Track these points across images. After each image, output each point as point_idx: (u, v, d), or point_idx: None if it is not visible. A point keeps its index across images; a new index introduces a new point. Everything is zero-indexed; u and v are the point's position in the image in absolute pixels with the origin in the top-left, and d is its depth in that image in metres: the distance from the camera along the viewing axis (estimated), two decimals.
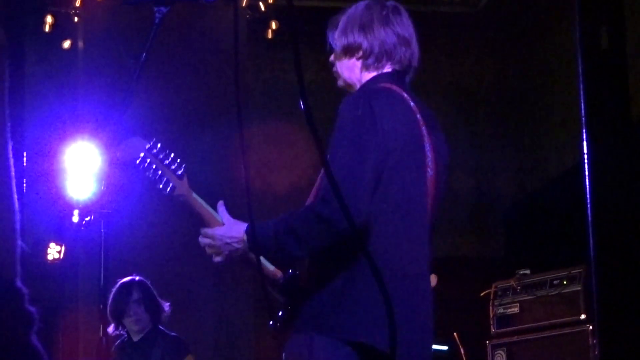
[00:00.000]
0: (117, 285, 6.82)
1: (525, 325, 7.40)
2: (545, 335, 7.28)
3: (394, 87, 3.43)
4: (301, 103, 2.28)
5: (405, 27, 3.55)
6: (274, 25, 9.52)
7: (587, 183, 2.68)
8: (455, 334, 7.79)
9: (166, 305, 6.93)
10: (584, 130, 2.64)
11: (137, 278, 6.91)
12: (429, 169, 3.38)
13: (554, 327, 7.23)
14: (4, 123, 1.87)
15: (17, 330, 2.11)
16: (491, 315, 7.61)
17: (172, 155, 3.52)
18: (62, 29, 9.41)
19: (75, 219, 8.16)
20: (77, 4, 9.30)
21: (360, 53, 3.50)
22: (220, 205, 3.50)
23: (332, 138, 3.30)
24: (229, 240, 3.35)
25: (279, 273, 3.46)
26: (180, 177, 3.49)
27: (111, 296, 6.74)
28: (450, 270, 6.94)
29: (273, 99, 10.99)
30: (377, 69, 3.50)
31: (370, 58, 3.49)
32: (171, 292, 7.39)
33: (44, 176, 8.58)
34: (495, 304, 7.60)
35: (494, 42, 11.70)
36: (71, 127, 8.81)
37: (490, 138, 11.82)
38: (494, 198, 11.71)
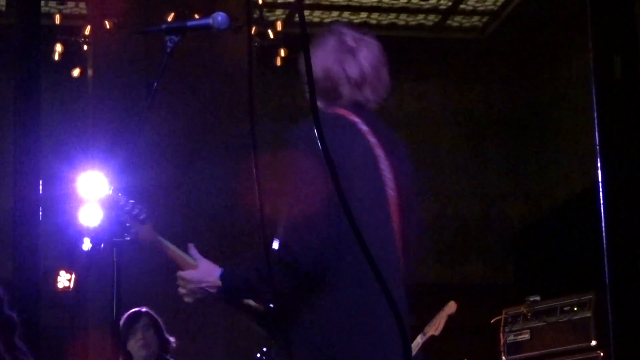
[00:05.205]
0: (125, 315, 6.77)
1: (536, 352, 7.38)
2: None
3: (342, 112, 3.38)
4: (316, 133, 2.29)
5: (375, 57, 3.45)
6: (282, 53, 9.55)
7: (602, 211, 2.68)
8: None
9: (172, 339, 6.88)
10: (598, 159, 2.64)
11: (144, 309, 6.87)
12: (389, 189, 3.35)
13: (564, 353, 7.21)
14: None
15: (3, 333, 2.13)
16: (502, 342, 7.59)
17: (133, 201, 3.55)
18: (71, 57, 9.44)
19: (86, 247, 8.14)
20: (87, 32, 9.34)
21: (341, 80, 3.39)
22: (192, 247, 3.55)
23: (282, 170, 3.34)
24: (204, 285, 3.44)
25: (260, 307, 3.50)
26: (142, 221, 3.52)
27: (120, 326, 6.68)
28: (459, 297, 6.94)
29: (281, 126, 11.01)
30: (351, 96, 3.40)
31: (345, 85, 3.40)
32: (182, 319, 7.36)
33: (54, 204, 8.59)
34: (506, 330, 7.58)
35: (501, 68, 11.73)
36: (81, 155, 8.83)
37: (498, 164, 11.83)
38: (503, 224, 11.71)
